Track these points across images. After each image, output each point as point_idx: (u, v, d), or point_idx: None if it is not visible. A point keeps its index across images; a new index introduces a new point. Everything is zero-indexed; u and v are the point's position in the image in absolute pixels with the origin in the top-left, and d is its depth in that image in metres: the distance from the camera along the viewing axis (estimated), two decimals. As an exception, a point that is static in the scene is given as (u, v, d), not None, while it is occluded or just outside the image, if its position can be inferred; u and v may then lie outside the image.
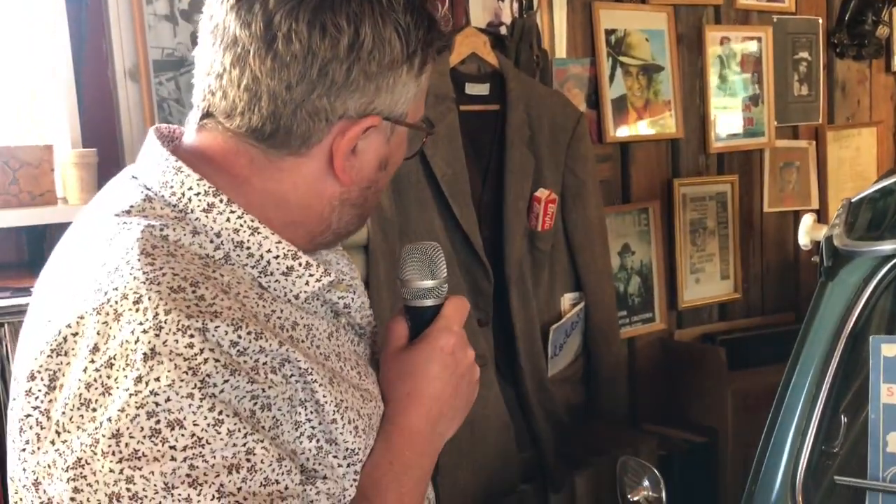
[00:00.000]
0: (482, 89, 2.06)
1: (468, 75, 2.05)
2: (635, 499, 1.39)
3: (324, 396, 0.77)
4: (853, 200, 1.46)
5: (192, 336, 0.68)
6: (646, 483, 1.39)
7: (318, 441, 0.78)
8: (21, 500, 0.76)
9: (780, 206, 3.04)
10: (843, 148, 3.19)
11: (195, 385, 0.68)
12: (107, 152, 1.79)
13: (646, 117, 2.66)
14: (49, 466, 0.70)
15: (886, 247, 1.29)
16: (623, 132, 2.62)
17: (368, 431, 0.82)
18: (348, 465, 0.80)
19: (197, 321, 0.69)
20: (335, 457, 0.79)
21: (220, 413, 0.69)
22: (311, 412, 0.77)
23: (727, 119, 2.87)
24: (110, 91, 1.85)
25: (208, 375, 0.68)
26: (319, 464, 0.78)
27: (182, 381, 0.67)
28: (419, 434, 0.86)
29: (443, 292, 0.89)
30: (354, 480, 0.81)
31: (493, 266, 2.07)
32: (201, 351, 0.68)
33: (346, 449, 0.79)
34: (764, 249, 3.03)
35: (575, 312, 2.25)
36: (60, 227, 1.65)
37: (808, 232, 1.48)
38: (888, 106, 3.39)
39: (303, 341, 0.79)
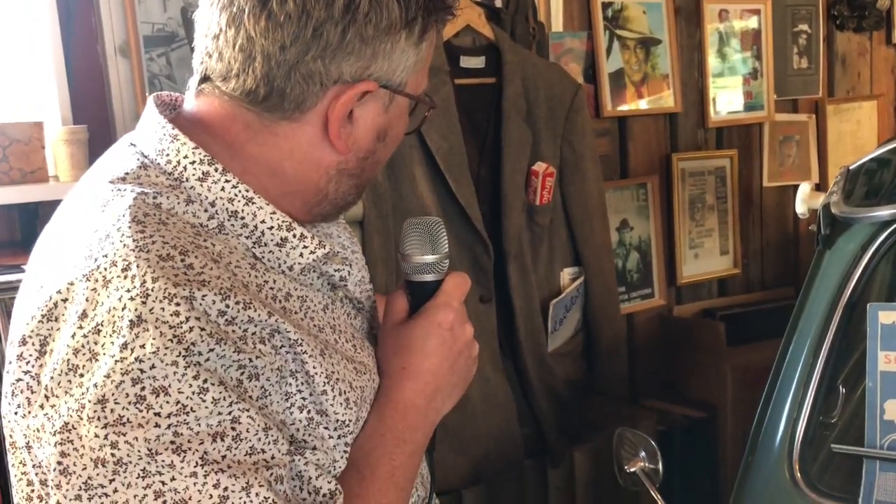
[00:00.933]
0: (477, 62, 2.04)
1: (463, 48, 2.03)
2: (632, 470, 1.38)
3: (314, 368, 0.77)
4: (851, 168, 1.45)
5: (178, 304, 0.68)
6: (642, 454, 1.39)
7: (308, 412, 0.77)
8: (23, 462, 0.77)
9: (779, 180, 3.02)
10: (844, 121, 3.17)
11: (180, 353, 0.68)
12: (98, 129, 1.78)
13: (643, 91, 2.64)
14: (38, 430, 0.71)
15: (884, 212, 1.27)
16: (621, 106, 2.59)
17: (360, 404, 0.82)
18: (339, 437, 0.80)
19: (184, 289, 0.69)
20: (326, 428, 0.79)
21: (205, 381, 0.69)
22: (302, 383, 0.77)
23: (726, 93, 2.85)
24: (100, 67, 1.83)
25: (193, 344, 0.68)
26: (310, 435, 0.78)
27: (167, 348, 0.67)
28: (413, 408, 0.86)
29: (444, 267, 0.89)
30: (345, 452, 0.81)
31: (491, 240, 2.05)
32: (187, 319, 0.68)
33: (337, 421, 0.79)
34: (763, 224, 3.01)
35: (574, 287, 2.24)
36: (52, 205, 1.64)
37: (805, 200, 1.46)
38: (889, 79, 3.35)
39: (296, 312, 0.79)
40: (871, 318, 1.27)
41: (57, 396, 0.69)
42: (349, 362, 0.82)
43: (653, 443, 1.38)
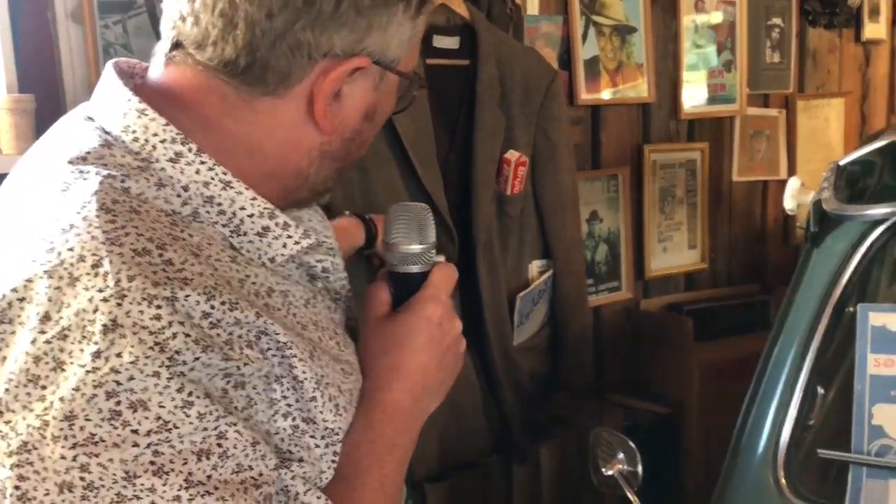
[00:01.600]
0: (451, 42, 1.96)
1: (436, 27, 1.94)
2: (609, 472, 1.33)
3: (303, 372, 0.70)
4: (841, 164, 1.40)
5: (158, 307, 0.60)
6: (620, 456, 1.33)
7: (293, 420, 0.70)
8: None
9: (749, 175, 3.00)
10: (812, 118, 3.16)
11: (162, 363, 0.60)
12: (46, 99, 1.66)
13: (618, 80, 2.58)
14: None
15: (877, 211, 1.23)
16: (595, 95, 2.53)
17: (349, 409, 0.75)
18: (326, 446, 0.73)
19: (165, 289, 0.61)
20: (312, 437, 0.72)
21: (190, 394, 0.61)
22: (288, 389, 0.69)
23: (698, 84, 2.81)
24: (50, 33, 1.71)
25: (177, 352, 0.61)
26: (295, 445, 0.71)
27: (147, 357, 0.60)
28: (402, 410, 0.80)
29: (431, 258, 0.83)
30: (333, 462, 0.74)
31: (460, 231, 1.98)
32: (169, 324, 0.61)
33: (326, 428, 0.72)
34: (732, 219, 2.99)
35: (543, 280, 2.18)
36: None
37: (794, 195, 1.42)
38: (857, 77, 3.36)
39: (278, 310, 0.71)
40: (861, 320, 1.23)
41: (13, 412, 0.60)
42: (336, 362, 0.75)
43: (632, 444, 1.32)
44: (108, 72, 0.75)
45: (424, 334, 0.80)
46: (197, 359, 0.62)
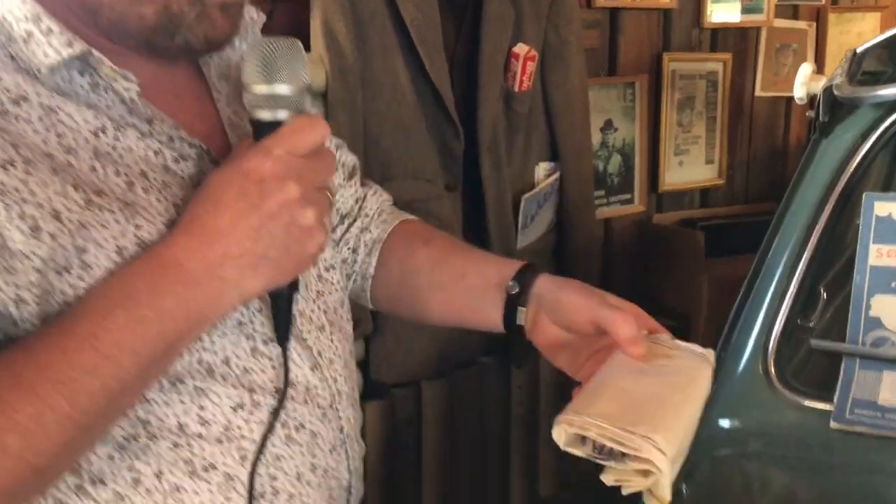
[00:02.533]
0: (460, -73, 1.88)
1: (445, -89, 1.86)
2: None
3: None
4: (859, 51, 1.32)
5: None
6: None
7: None
8: None
9: (772, 90, 2.89)
10: (844, 33, 3.02)
11: None
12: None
13: (639, -18, 2.47)
14: None
15: (893, 90, 1.15)
16: (613, -3, 2.43)
17: (62, 237, 0.66)
18: (24, 272, 0.66)
19: None
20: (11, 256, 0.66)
21: None
22: None
23: (725, -9, 2.69)
24: None
25: None
26: None
27: None
28: (175, 269, 0.67)
29: (289, 105, 0.70)
30: (30, 290, 0.66)
31: (465, 128, 1.92)
32: None
33: (15, 249, 0.65)
34: (752, 135, 2.90)
35: (548, 183, 2.13)
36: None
37: (805, 82, 1.34)
38: (896, -9, 3.20)
39: (28, 122, 0.68)
40: (865, 209, 1.17)
41: None
42: (82, 192, 0.68)
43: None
44: None
45: (235, 191, 0.67)
46: None
